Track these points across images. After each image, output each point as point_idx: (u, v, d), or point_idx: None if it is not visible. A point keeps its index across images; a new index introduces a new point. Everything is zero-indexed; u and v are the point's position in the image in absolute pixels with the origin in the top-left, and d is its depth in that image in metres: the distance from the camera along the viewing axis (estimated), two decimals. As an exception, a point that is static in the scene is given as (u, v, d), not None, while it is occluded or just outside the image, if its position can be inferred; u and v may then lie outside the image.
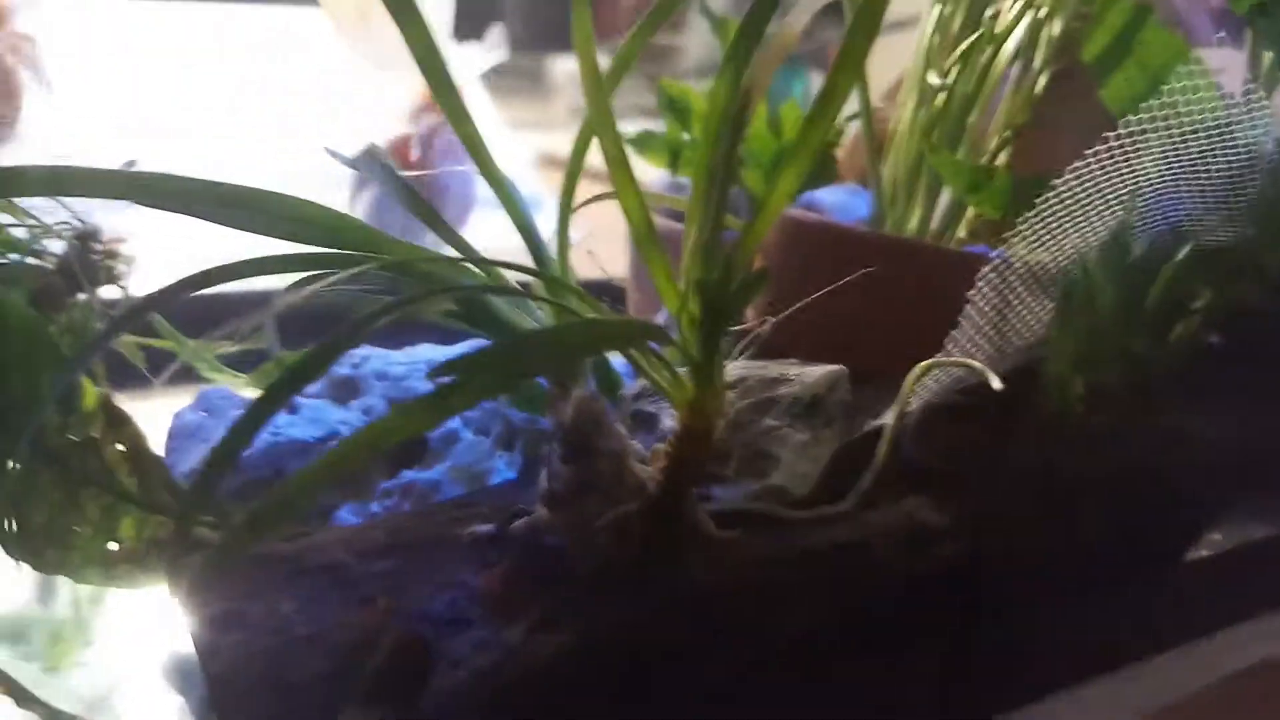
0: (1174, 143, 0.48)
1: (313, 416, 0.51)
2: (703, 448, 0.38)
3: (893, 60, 0.67)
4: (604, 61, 0.41)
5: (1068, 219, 0.48)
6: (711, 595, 0.37)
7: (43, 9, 0.53)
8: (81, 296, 0.47)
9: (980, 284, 0.46)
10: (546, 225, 0.47)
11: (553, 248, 0.49)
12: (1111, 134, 0.47)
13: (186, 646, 0.38)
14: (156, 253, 0.52)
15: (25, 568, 0.43)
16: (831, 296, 0.47)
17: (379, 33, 0.57)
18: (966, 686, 0.43)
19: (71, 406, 0.43)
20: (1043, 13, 0.60)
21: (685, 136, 0.71)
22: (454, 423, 0.52)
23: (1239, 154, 0.49)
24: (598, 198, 0.51)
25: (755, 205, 0.67)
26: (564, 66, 2.34)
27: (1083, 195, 0.47)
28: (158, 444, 0.48)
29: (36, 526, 0.43)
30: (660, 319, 0.51)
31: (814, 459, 0.43)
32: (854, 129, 0.79)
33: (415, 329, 0.52)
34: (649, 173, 0.74)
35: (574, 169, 0.46)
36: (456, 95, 0.44)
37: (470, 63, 0.75)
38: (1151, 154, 0.48)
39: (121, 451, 0.44)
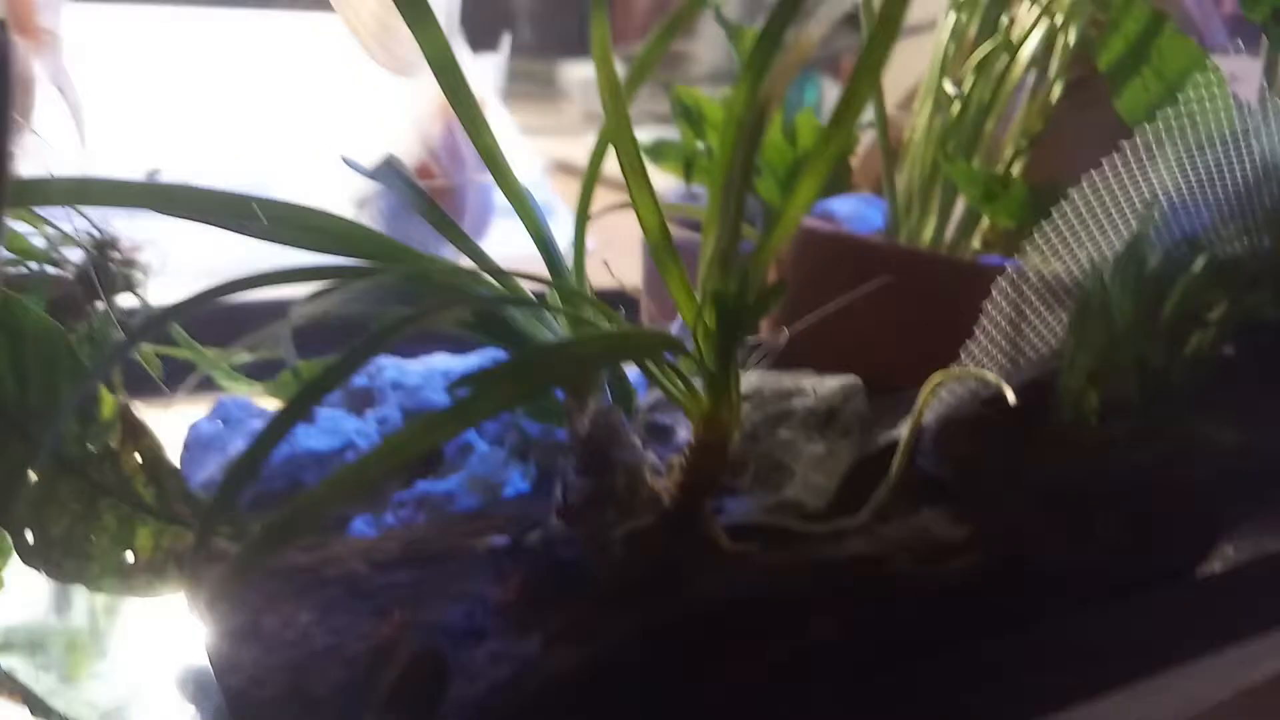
0: (1190, 152, 0.48)
1: (329, 427, 0.51)
2: (718, 460, 0.38)
3: (907, 65, 0.67)
4: (619, 68, 0.41)
5: (1083, 230, 0.48)
6: (726, 608, 0.37)
7: (62, 13, 0.53)
8: (100, 305, 0.48)
9: (995, 295, 0.46)
10: (560, 232, 0.47)
11: (568, 257, 0.49)
12: (1127, 144, 0.47)
13: (202, 657, 0.38)
14: (175, 260, 0.52)
15: (42, 577, 0.43)
16: (846, 307, 0.48)
17: (398, 41, 0.57)
18: (981, 700, 0.43)
19: (90, 416, 0.43)
20: (1058, 20, 0.60)
21: (700, 145, 0.71)
22: (469, 434, 0.52)
23: (1255, 163, 0.48)
24: (614, 207, 0.51)
25: (771, 216, 0.67)
26: (576, 72, 2.34)
27: (1098, 206, 0.47)
28: (173, 453, 0.48)
29: (54, 536, 0.43)
30: (674, 329, 0.51)
31: (829, 471, 0.43)
32: (868, 137, 0.79)
33: (430, 338, 0.52)
34: (661, 180, 0.74)
35: (590, 180, 0.46)
36: (475, 106, 0.44)
37: (488, 74, 0.75)
38: (1167, 164, 0.48)
39: (139, 461, 0.44)
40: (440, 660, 0.35)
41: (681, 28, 0.45)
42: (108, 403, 0.44)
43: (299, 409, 0.29)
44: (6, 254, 0.48)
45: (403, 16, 0.42)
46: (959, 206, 0.61)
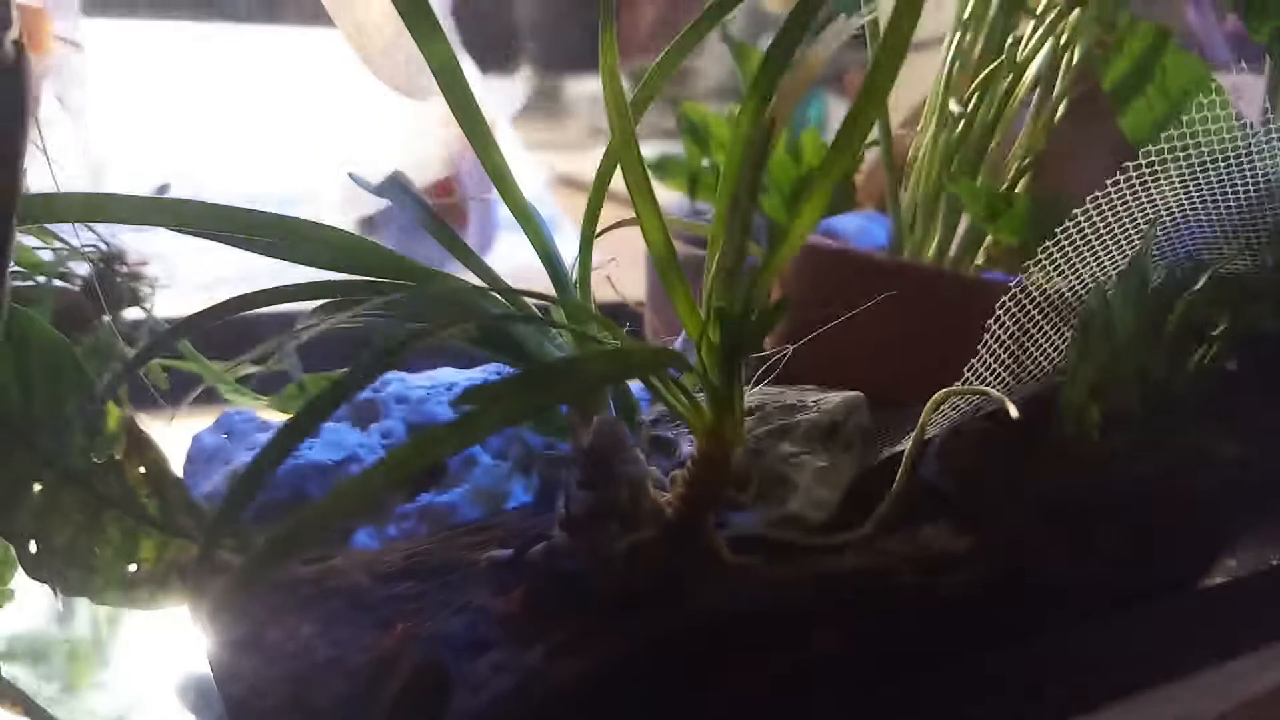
0: (1193, 171, 0.48)
1: (333, 439, 0.51)
2: (721, 474, 0.38)
3: (912, 81, 0.67)
4: (624, 83, 0.41)
5: (1086, 247, 0.48)
6: (729, 620, 0.37)
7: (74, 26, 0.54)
8: (106, 318, 0.48)
9: (999, 311, 0.46)
10: (564, 247, 0.47)
11: (574, 273, 0.49)
12: (1131, 162, 0.47)
13: (203, 668, 0.38)
14: (181, 273, 0.52)
15: (45, 588, 0.43)
16: (850, 323, 0.48)
17: (406, 60, 0.57)
18: (983, 712, 0.43)
19: (95, 428, 0.43)
20: (1063, 39, 0.60)
21: (705, 162, 0.72)
22: (472, 447, 0.52)
23: (1258, 181, 0.49)
24: (620, 224, 0.51)
25: (776, 233, 0.67)
26: (581, 87, 2.34)
27: (1102, 223, 0.47)
28: (177, 465, 0.48)
29: (58, 547, 0.43)
30: (678, 344, 0.51)
31: (832, 485, 0.43)
32: (872, 154, 0.80)
33: (435, 352, 0.52)
34: (665, 195, 0.74)
35: (596, 198, 0.47)
36: (483, 124, 0.44)
37: (503, 98, 0.75)
38: (1170, 182, 0.48)
39: (143, 473, 0.44)
40: (443, 672, 0.35)
41: (690, 48, 0.45)
42: (113, 415, 0.44)
43: (306, 424, 0.29)
44: (14, 267, 0.48)
45: (411, 35, 0.42)
46: (962, 223, 0.61)
